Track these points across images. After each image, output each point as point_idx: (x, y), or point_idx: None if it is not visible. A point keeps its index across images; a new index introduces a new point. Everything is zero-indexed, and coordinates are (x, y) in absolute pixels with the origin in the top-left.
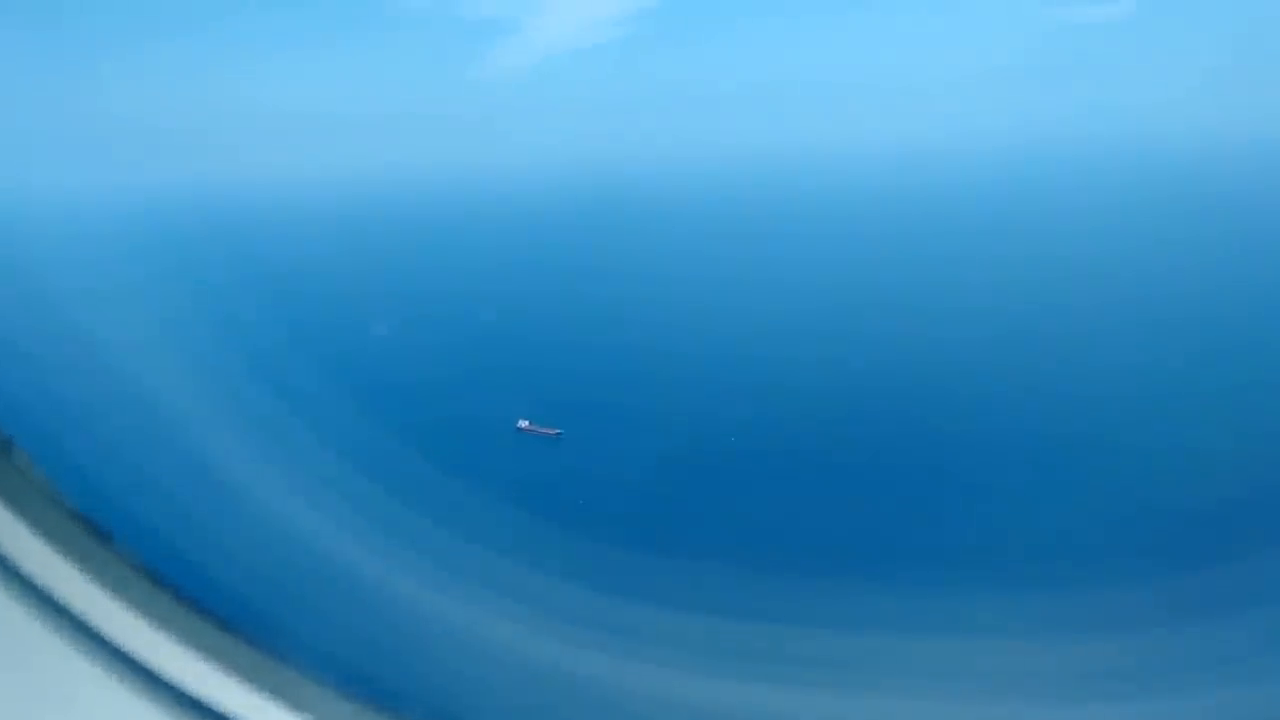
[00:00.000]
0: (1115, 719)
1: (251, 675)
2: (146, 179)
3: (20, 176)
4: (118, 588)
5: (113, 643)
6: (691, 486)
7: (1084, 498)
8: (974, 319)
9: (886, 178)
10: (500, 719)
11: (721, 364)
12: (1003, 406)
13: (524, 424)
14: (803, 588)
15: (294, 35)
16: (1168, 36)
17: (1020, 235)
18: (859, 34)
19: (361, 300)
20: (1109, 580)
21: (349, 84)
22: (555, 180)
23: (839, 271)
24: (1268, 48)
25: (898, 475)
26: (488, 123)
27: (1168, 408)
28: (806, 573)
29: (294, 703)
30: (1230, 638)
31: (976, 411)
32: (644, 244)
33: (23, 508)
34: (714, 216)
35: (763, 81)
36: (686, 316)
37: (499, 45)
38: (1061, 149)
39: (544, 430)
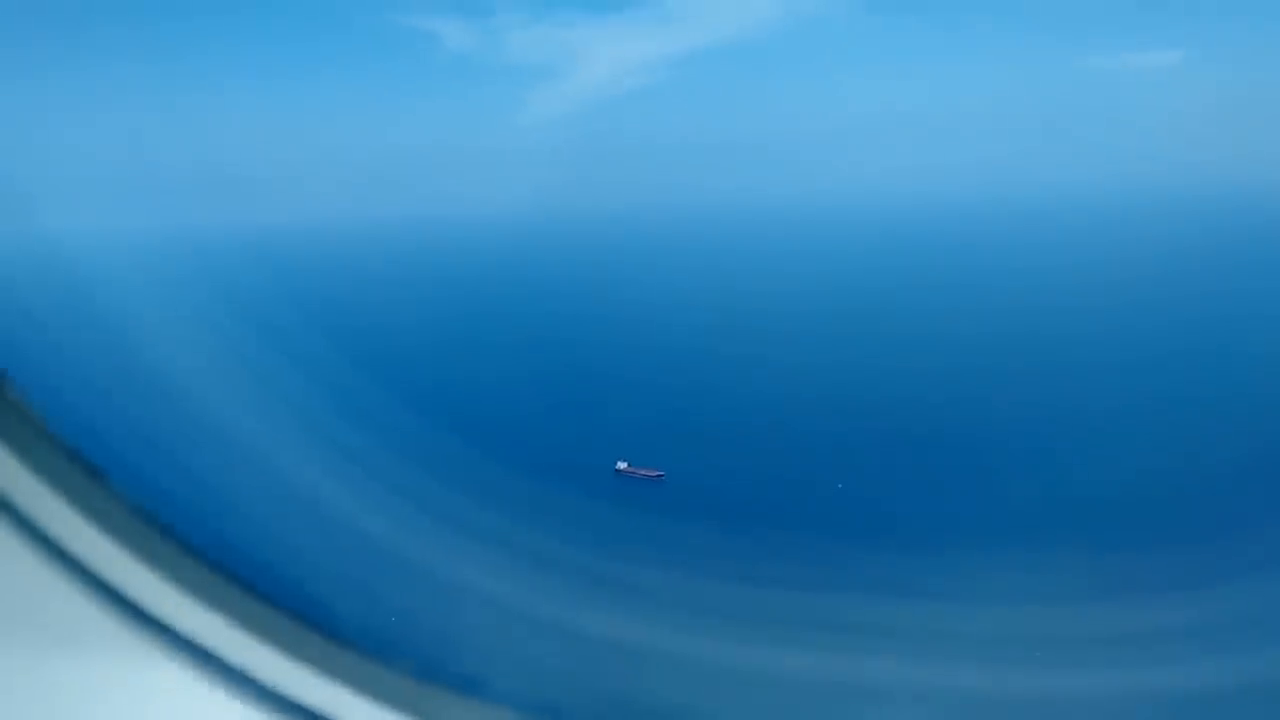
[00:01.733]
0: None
1: (242, 617)
2: (213, 219)
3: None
4: (109, 524)
5: (103, 578)
6: (803, 527)
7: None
8: (1027, 374)
9: (925, 225)
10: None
11: (784, 395)
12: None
13: (623, 465)
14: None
15: (338, 78)
16: (1217, 86)
17: (1058, 283)
18: (897, 80)
19: (421, 338)
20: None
21: (394, 126)
22: (595, 222)
23: (896, 313)
24: None
25: (997, 530)
26: (530, 164)
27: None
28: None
29: (284, 646)
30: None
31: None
32: (693, 284)
33: (17, 443)
34: (759, 260)
35: (802, 126)
36: (742, 358)
37: (539, 89)
38: (1104, 198)
39: (645, 472)
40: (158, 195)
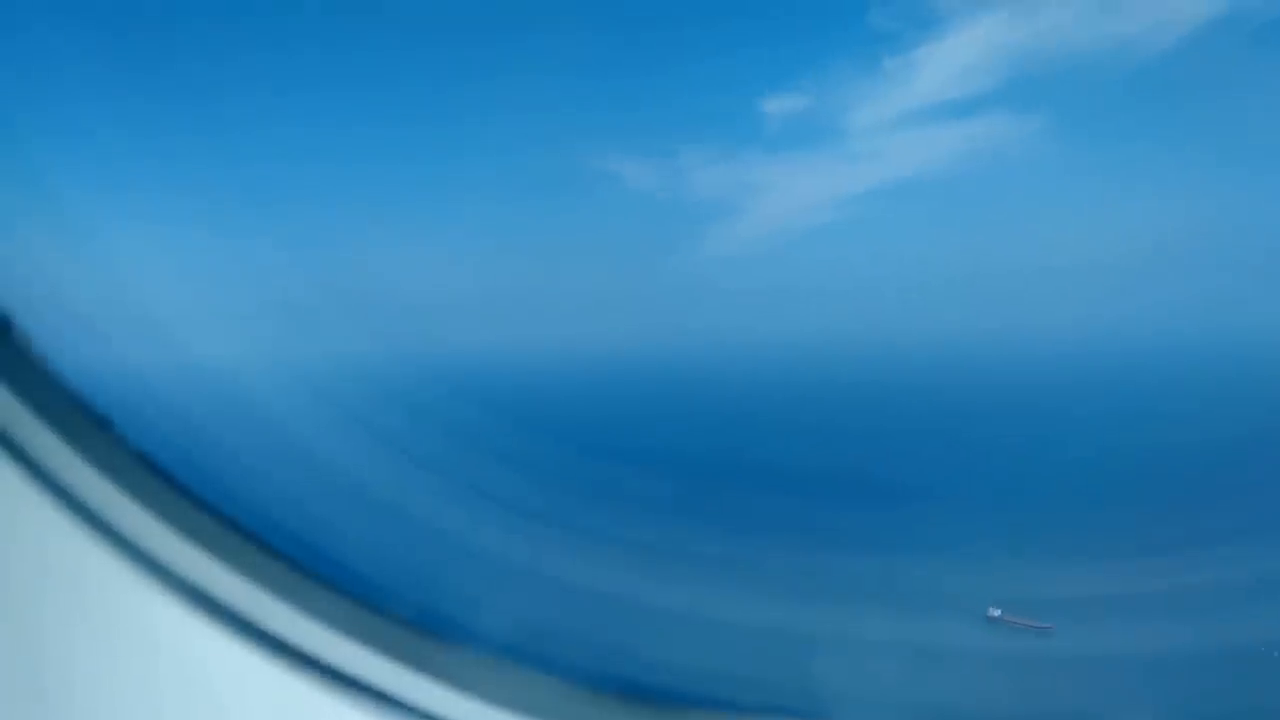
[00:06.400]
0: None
1: (248, 567)
2: (383, 346)
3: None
4: (115, 473)
5: (111, 526)
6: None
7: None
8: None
9: (1123, 361)
10: None
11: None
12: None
13: (995, 613)
14: None
15: (522, 214)
16: None
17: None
18: (1089, 217)
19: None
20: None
21: (575, 263)
22: (778, 361)
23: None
24: None
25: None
26: (708, 302)
27: None
28: None
29: (293, 598)
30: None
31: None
32: (891, 417)
33: (21, 387)
34: (951, 404)
35: (988, 264)
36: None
37: (719, 226)
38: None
39: (1027, 623)
40: (329, 324)
